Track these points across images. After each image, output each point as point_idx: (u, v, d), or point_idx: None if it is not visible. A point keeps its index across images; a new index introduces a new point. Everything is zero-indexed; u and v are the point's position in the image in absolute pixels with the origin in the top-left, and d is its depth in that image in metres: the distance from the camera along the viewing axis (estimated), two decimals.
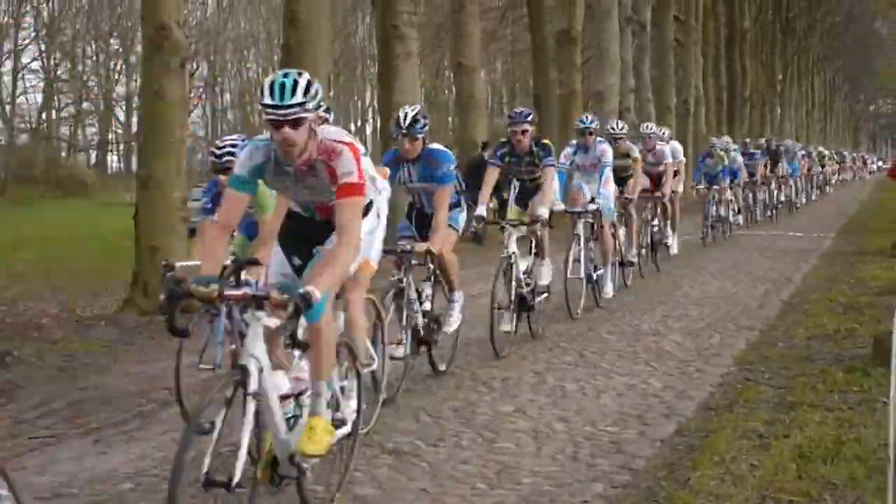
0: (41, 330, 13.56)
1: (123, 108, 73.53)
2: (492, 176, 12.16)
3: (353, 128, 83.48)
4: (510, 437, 8.11)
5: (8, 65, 69.37)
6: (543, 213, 11.87)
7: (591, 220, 14.29)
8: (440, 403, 9.18)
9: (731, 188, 25.19)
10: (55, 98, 72.21)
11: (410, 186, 10.17)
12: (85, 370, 10.97)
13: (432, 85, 73.14)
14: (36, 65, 71.40)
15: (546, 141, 12.60)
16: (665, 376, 10.22)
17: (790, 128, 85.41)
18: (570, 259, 13.80)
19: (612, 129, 16.86)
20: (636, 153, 16.92)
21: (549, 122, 32.24)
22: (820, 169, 37.01)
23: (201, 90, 76.56)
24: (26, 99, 71.27)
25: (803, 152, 40.63)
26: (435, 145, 10.05)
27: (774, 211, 32.61)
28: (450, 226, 10.12)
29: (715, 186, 24.05)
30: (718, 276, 17.97)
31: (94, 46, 74.95)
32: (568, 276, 13.68)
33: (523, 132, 12.03)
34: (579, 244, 13.99)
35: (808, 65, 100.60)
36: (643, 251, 18.23)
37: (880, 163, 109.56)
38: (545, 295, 12.50)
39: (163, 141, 14.74)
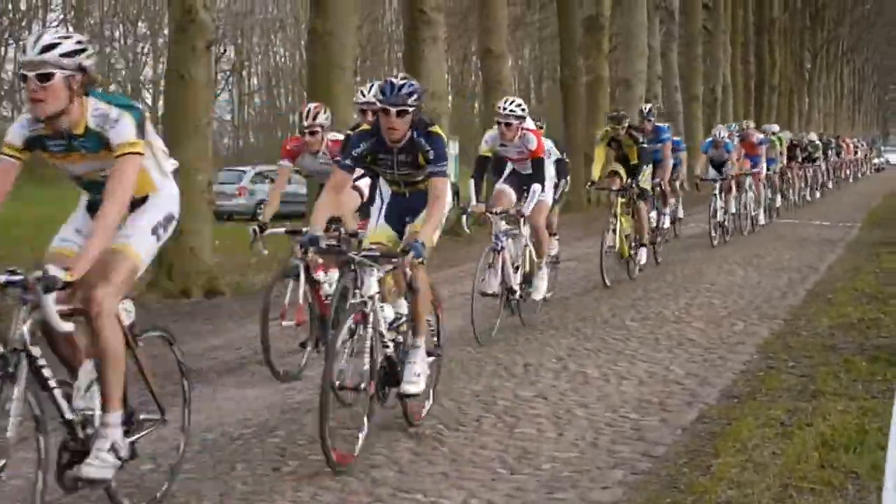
0: None
1: (150, 91, 73.67)
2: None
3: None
4: (531, 422, 8.10)
5: None
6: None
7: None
8: (462, 388, 9.19)
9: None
10: None
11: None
12: None
13: (459, 71, 73.05)
14: None
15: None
16: (687, 363, 10.20)
17: (818, 117, 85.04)
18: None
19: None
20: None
21: (576, 108, 32.21)
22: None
23: (228, 74, 76.66)
24: None
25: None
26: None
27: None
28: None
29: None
30: (743, 265, 17.90)
31: (121, 29, 75.13)
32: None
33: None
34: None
35: (837, 54, 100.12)
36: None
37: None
38: None
39: (188, 124, 14.80)
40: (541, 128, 13.66)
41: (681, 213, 22.45)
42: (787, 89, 71.55)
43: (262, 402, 8.34)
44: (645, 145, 16.05)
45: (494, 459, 7.17)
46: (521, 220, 11.89)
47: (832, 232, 24.27)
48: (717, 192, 21.08)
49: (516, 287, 11.89)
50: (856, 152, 55.13)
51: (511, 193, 12.37)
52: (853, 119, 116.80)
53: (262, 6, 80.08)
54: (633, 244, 16.01)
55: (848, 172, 50.93)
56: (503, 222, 11.68)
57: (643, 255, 16.38)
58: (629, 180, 15.90)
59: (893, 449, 6.94)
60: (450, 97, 51.52)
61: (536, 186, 11.73)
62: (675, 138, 22.13)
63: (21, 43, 66.13)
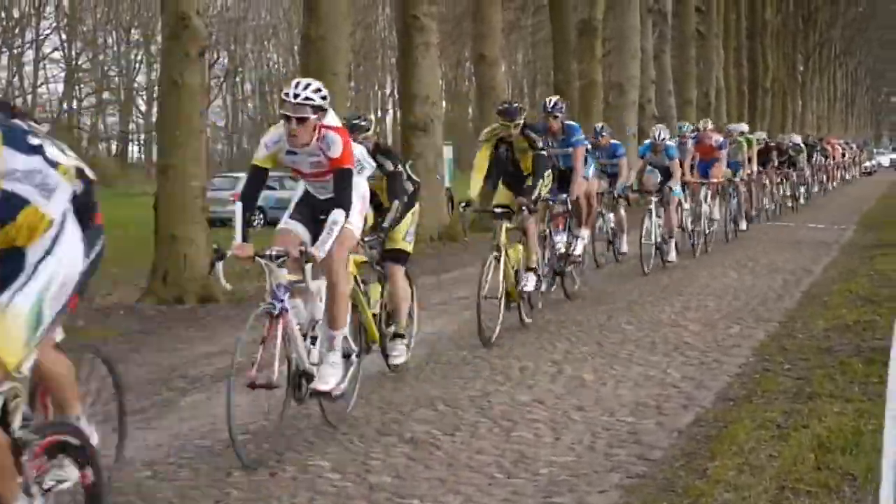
0: None
1: (144, 97, 73.66)
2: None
3: (373, 117, 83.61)
4: (527, 426, 8.09)
5: (29, 55, 69.57)
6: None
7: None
8: (458, 393, 9.18)
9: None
10: (76, 88, 72.39)
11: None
12: None
13: (453, 76, 73.11)
14: (57, 55, 71.57)
15: None
16: (683, 367, 10.19)
17: (812, 119, 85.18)
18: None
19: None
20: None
21: (570, 112, 32.20)
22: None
23: (222, 80, 76.68)
24: (47, 89, 71.43)
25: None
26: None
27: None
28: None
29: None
30: (737, 268, 17.91)
31: (114, 36, 75.11)
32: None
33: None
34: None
35: (829, 57, 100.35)
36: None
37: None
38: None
39: (182, 130, 14.81)
40: (363, 129, 9.90)
41: (624, 247, 18.22)
42: (781, 92, 71.67)
43: (258, 407, 8.33)
44: (543, 152, 12.26)
45: (491, 464, 7.16)
46: (309, 265, 7.81)
47: (826, 234, 24.28)
48: (651, 206, 17.36)
49: (311, 368, 7.95)
50: (843, 155, 51.61)
51: (299, 232, 8.37)
52: (846, 122, 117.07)
53: (256, 12, 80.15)
54: (521, 275, 12.31)
55: (836, 176, 47.62)
56: (283, 271, 7.72)
57: (530, 282, 12.42)
58: (523, 200, 12.11)
59: (889, 446, 6.95)
60: (443, 102, 51.49)
61: (337, 214, 7.81)
62: (614, 141, 18.68)
63: (15, 51, 66.28)
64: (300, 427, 8.05)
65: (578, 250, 14.95)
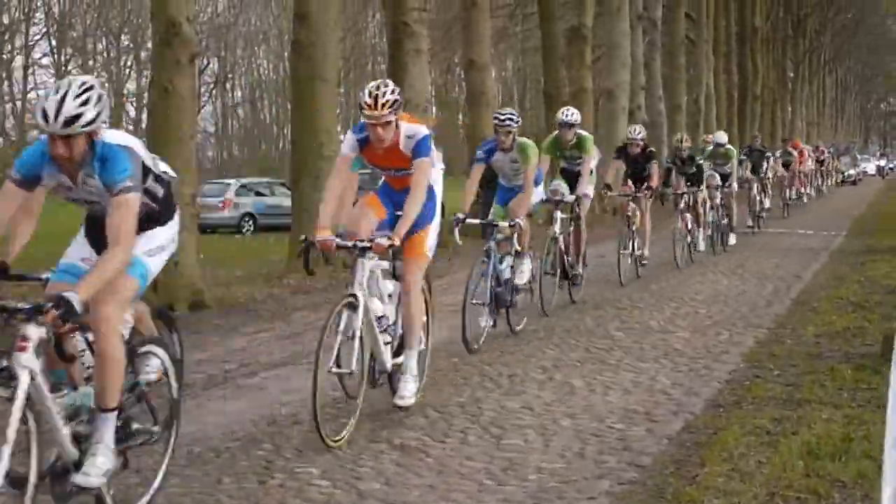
0: None
1: (134, 104, 73.60)
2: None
3: None
4: (517, 433, 8.09)
5: (19, 60, 69.51)
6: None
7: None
8: (447, 399, 9.17)
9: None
10: None
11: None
12: None
13: (443, 82, 73.15)
14: (46, 60, 71.49)
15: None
16: (673, 373, 10.19)
17: (801, 126, 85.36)
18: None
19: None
20: None
21: None
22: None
23: (212, 86, 76.65)
24: (37, 95, 71.15)
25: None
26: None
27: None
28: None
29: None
30: (728, 275, 17.93)
31: (104, 42, 75.08)
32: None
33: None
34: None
35: (819, 63, 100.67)
36: None
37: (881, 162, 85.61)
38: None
39: (172, 136, 14.79)
40: None
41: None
42: (771, 98, 71.80)
43: (249, 415, 8.33)
44: None
45: (481, 471, 7.15)
46: None
47: (815, 240, 24.32)
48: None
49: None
50: (812, 160, 42.17)
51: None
52: (836, 128, 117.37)
53: (246, 18, 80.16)
54: None
55: (803, 190, 38.45)
56: None
57: None
58: None
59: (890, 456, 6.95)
60: (434, 109, 51.55)
61: None
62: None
63: (5, 56, 66.23)
64: (289, 435, 8.03)
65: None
